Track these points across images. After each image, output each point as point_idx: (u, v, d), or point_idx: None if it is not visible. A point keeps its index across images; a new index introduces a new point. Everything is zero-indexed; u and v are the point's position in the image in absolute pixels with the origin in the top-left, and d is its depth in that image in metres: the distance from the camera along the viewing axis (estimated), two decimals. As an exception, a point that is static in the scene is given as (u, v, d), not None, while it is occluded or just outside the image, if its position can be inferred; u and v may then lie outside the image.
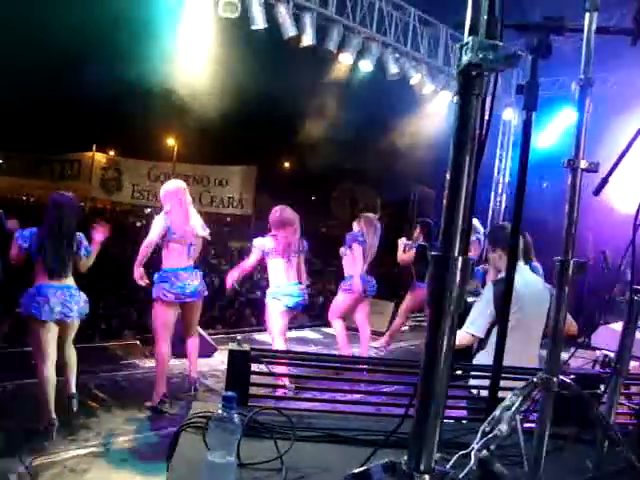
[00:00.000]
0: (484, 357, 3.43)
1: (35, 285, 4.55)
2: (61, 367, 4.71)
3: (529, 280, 3.69)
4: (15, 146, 20.26)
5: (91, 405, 5.12)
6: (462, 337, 3.51)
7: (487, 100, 0.96)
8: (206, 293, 5.55)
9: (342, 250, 7.07)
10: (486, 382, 2.36)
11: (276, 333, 5.97)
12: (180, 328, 5.58)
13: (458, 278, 0.88)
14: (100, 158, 19.27)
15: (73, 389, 4.72)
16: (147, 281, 5.25)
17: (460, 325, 3.51)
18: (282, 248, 5.87)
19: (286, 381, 4.08)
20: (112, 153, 21.36)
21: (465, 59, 0.85)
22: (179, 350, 5.68)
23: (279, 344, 5.87)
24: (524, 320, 3.49)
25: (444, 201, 0.91)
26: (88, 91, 18.84)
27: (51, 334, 4.51)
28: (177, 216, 5.21)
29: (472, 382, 3.01)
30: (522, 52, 1.17)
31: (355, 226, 7.10)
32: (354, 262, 6.85)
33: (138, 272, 5.21)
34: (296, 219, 6.00)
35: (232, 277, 6.07)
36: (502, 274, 3.60)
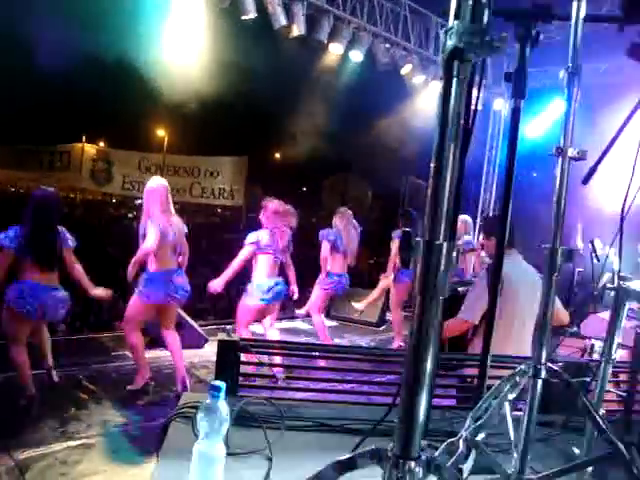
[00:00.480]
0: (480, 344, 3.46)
1: (25, 281, 4.62)
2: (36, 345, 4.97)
3: (523, 268, 3.72)
4: (3, 138, 20.08)
5: (82, 397, 5.11)
6: (457, 324, 3.53)
7: (474, 88, 0.96)
8: (186, 297, 5.54)
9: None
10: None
11: (242, 325, 5.99)
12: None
13: (443, 263, 0.88)
14: (90, 149, 19.13)
15: (50, 362, 5.01)
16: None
17: (449, 312, 3.53)
18: (276, 244, 5.90)
19: (276, 371, 4.10)
20: (102, 144, 21.19)
21: (450, 44, 0.84)
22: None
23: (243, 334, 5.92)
24: (520, 307, 3.52)
25: (429, 187, 0.91)
26: (76, 82, 18.69)
27: (29, 325, 4.77)
28: (163, 218, 5.18)
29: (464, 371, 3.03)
30: (509, 38, 1.17)
31: (334, 221, 7.21)
32: (322, 260, 7.06)
33: (132, 272, 5.18)
34: (294, 215, 6.03)
35: (218, 285, 5.87)
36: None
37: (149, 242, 5.05)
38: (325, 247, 7.03)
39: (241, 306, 6.02)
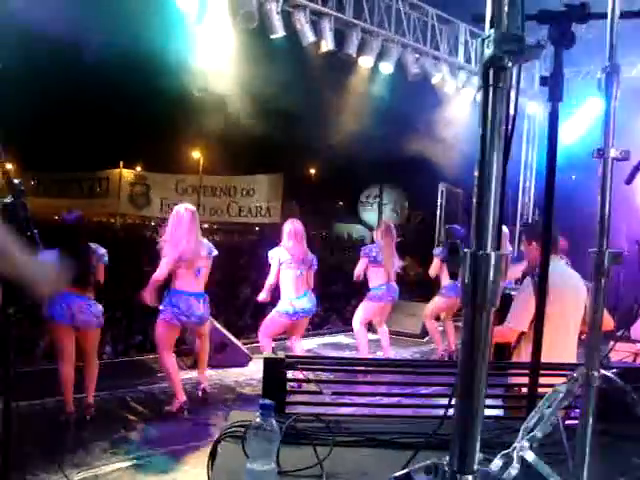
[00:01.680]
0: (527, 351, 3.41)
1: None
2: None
3: (566, 273, 3.65)
4: (44, 166, 20.62)
5: (130, 418, 5.18)
6: (505, 331, 3.47)
7: (512, 94, 0.95)
8: (209, 319, 5.74)
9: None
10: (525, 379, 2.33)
11: (266, 335, 6.23)
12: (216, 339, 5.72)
13: (492, 273, 0.87)
14: (127, 174, 19.54)
15: (91, 399, 5.06)
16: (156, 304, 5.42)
17: (499, 322, 3.48)
18: (293, 260, 6.06)
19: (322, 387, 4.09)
20: (139, 168, 21.61)
21: (488, 53, 0.84)
22: (214, 361, 5.77)
23: (267, 346, 6.12)
24: (565, 314, 3.45)
25: (474, 198, 0.90)
26: (113, 108, 19.11)
27: (71, 338, 4.94)
28: (182, 241, 5.29)
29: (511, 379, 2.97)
30: (545, 42, 1.15)
31: (375, 234, 7.25)
32: (356, 276, 7.14)
33: (147, 297, 5.36)
34: (299, 230, 6.10)
35: (262, 297, 6.27)
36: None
37: (159, 270, 5.31)
38: (361, 264, 7.11)
39: (266, 320, 6.28)
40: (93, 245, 5.08)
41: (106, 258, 5.10)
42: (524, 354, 3.46)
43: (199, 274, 5.44)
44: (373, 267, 7.10)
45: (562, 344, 3.42)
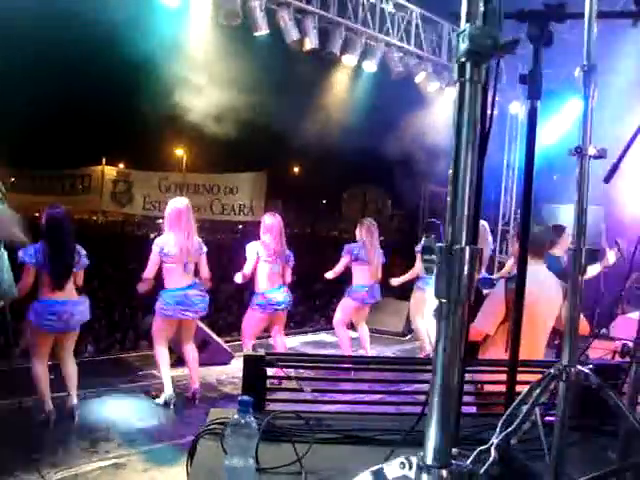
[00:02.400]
0: (494, 352, 3.42)
1: (42, 299, 4.79)
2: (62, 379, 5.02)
3: (539, 278, 3.63)
4: (24, 163, 20.39)
5: (110, 417, 5.14)
6: (473, 331, 3.48)
7: (489, 90, 0.95)
8: (205, 312, 5.75)
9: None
10: (495, 377, 2.35)
11: (247, 336, 6.23)
12: (198, 337, 5.73)
13: (466, 268, 0.87)
14: (110, 171, 19.35)
15: (74, 400, 4.98)
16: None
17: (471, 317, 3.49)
18: (268, 254, 6.08)
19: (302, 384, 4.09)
20: (122, 166, 21.44)
21: (462, 47, 0.84)
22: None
23: (249, 346, 6.04)
24: (532, 318, 3.46)
25: (449, 192, 0.90)
26: (94, 105, 18.96)
27: (50, 339, 4.90)
28: (171, 236, 5.39)
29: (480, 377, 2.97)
30: (522, 40, 1.16)
31: (357, 233, 7.18)
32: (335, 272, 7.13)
33: (143, 287, 5.48)
34: (276, 225, 6.09)
35: (237, 279, 6.23)
36: (515, 268, 3.59)
37: (148, 270, 5.43)
38: (341, 262, 7.09)
39: (246, 318, 6.31)
40: (77, 245, 5.01)
41: (87, 261, 5.05)
42: (488, 355, 3.48)
43: (186, 269, 5.47)
44: (357, 265, 7.07)
45: (528, 349, 3.43)
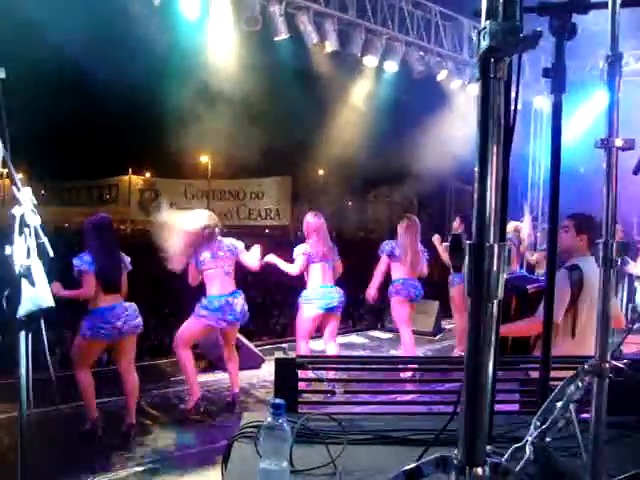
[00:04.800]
0: (562, 339, 3.43)
1: (95, 308, 4.74)
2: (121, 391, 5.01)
3: (596, 268, 3.60)
4: (53, 175, 20.73)
5: (145, 423, 5.20)
6: (535, 324, 3.44)
7: (512, 86, 0.95)
8: (247, 317, 5.65)
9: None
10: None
11: (300, 336, 6.08)
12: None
13: (495, 265, 0.87)
14: (137, 180, 19.62)
15: (133, 419, 4.92)
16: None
17: (519, 310, 3.49)
18: (317, 253, 5.99)
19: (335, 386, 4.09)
20: (148, 174, 21.70)
21: (484, 44, 0.84)
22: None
23: (303, 348, 5.98)
24: (594, 306, 3.43)
25: (475, 190, 0.90)
26: (120, 115, 19.18)
27: (101, 349, 4.98)
28: (206, 245, 5.40)
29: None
30: (544, 33, 1.15)
31: (399, 229, 6.96)
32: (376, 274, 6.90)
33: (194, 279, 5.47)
34: (320, 225, 6.06)
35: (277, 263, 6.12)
36: (572, 260, 3.63)
37: (190, 276, 5.44)
38: (381, 263, 6.88)
39: (298, 318, 6.15)
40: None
41: (130, 266, 5.02)
42: (556, 343, 3.44)
43: (228, 274, 5.46)
44: (393, 263, 6.91)
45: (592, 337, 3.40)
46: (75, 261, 4.65)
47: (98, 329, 4.68)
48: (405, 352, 6.87)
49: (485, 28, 0.84)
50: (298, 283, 6.21)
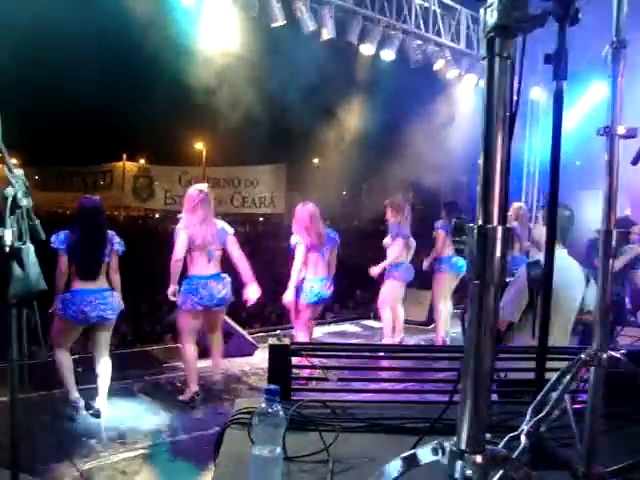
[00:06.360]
0: (521, 339, 3.38)
1: (71, 289, 4.78)
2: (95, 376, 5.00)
3: (563, 264, 3.57)
4: (47, 160, 20.61)
5: (137, 408, 5.19)
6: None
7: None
8: (232, 300, 5.56)
9: (387, 240, 7.21)
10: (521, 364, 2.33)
11: (301, 327, 6.06)
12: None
13: (498, 248, 0.85)
14: (131, 167, 19.52)
15: (104, 401, 4.93)
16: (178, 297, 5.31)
17: None
18: (311, 242, 5.93)
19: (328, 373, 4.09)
20: (142, 161, 21.60)
21: (491, 21, 0.81)
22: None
23: (300, 336, 5.96)
24: (555, 304, 3.40)
25: (480, 171, 0.87)
26: (115, 101, 19.08)
27: (75, 332, 4.96)
28: (195, 223, 5.23)
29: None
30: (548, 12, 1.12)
31: (389, 214, 7.09)
32: (398, 252, 7.11)
33: (172, 289, 5.26)
34: (306, 215, 5.97)
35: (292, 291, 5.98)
36: (538, 256, 3.53)
37: (176, 252, 5.20)
38: (400, 242, 7.13)
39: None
40: (110, 232, 4.95)
41: (121, 248, 4.96)
42: (516, 343, 3.43)
43: (212, 257, 5.33)
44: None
45: (552, 336, 3.38)
46: (52, 237, 4.64)
47: (66, 309, 4.72)
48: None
49: (492, 4, 0.81)
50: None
